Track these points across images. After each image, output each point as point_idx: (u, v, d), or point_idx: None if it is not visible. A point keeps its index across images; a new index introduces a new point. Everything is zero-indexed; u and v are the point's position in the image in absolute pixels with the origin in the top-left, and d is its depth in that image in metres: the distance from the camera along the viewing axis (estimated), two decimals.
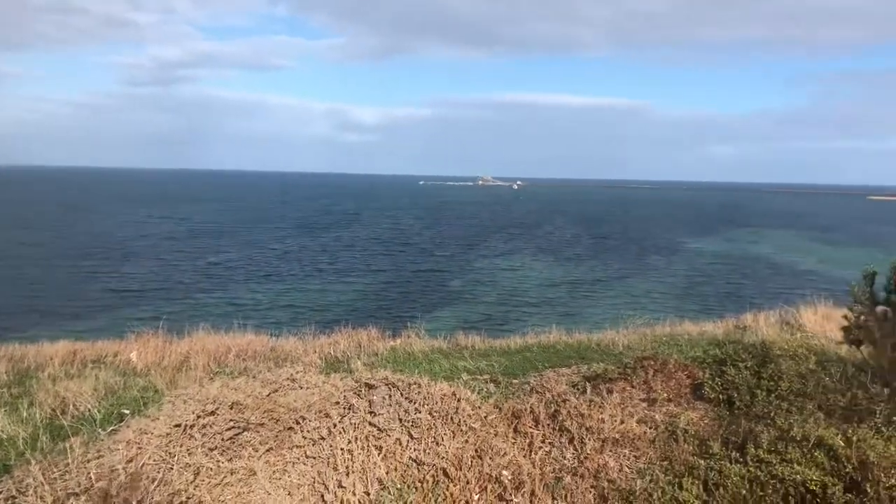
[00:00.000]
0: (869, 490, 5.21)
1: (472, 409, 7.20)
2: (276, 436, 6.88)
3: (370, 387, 7.37)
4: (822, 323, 11.37)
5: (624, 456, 6.76)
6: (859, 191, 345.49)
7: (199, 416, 6.68)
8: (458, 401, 7.21)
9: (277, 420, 7.09)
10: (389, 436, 6.76)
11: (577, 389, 8.51)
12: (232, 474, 6.03)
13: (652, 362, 8.50)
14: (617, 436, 6.98)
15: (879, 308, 8.28)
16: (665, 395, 7.95)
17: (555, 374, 9.83)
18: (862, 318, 8.29)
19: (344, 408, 7.12)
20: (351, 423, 6.87)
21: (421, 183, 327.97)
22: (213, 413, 6.77)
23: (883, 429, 6.05)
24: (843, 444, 5.83)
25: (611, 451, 6.81)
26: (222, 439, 6.43)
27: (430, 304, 33.45)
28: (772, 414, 7.20)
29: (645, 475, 6.47)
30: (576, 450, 6.87)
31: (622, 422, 7.20)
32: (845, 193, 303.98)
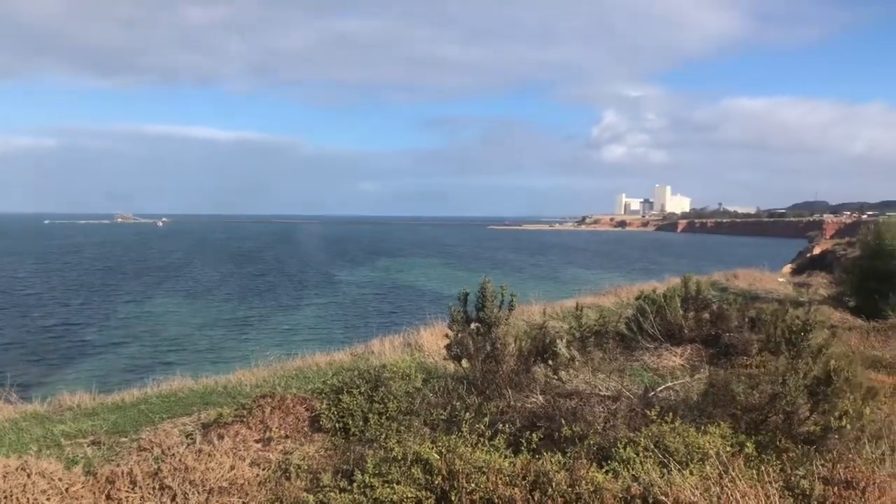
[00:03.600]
0: (453, 498, 5.49)
1: (49, 483, 6.07)
2: None
3: None
4: (438, 342, 12.28)
5: None
6: (482, 221, 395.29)
7: None
8: (29, 475, 6.03)
9: None
10: None
11: (191, 440, 7.84)
12: None
13: (269, 399, 8.21)
14: (225, 484, 6.47)
15: (472, 325, 9.19)
16: (282, 432, 7.70)
17: (171, 425, 8.99)
18: (459, 334, 9.10)
19: None
20: None
21: (46, 222, 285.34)
22: None
23: (469, 436, 6.52)
24: (437, 456, 6.11)
25: (217, 502, 6.28)
26: None
27: (53, 364, 28.91)
28: (382, 436, 7.38)
29: None
30: None
31: (232, 468, 6.72)
32: (473, 224, 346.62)
